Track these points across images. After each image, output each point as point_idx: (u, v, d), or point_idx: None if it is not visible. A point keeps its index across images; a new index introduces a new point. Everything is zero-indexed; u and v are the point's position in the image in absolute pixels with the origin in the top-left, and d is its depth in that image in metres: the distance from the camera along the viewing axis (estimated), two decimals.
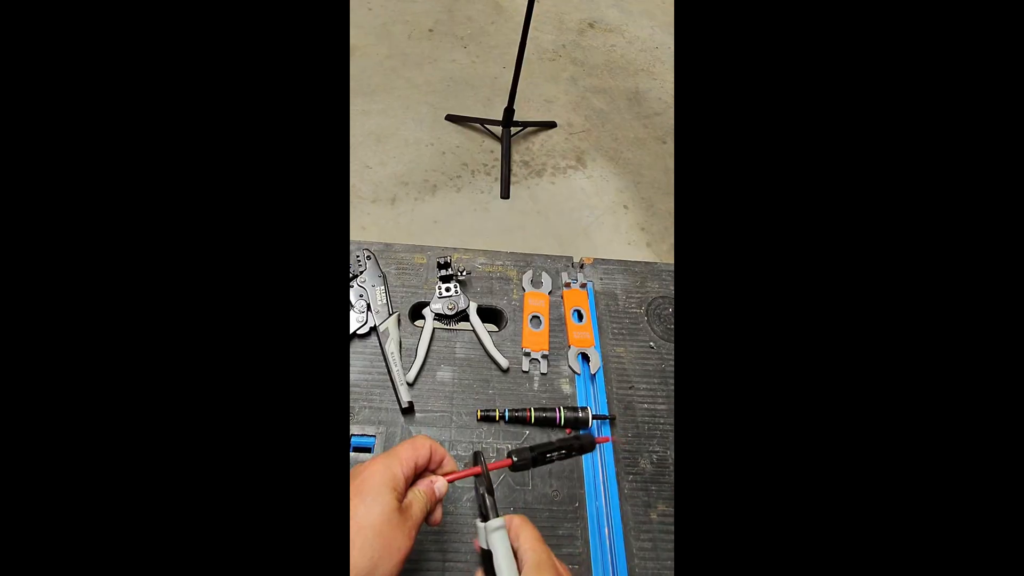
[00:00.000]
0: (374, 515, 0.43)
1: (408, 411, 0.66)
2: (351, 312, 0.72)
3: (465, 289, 0.78)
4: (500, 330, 0.76)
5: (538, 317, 0.76)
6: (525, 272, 0.81)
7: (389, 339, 0.69)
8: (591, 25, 2.95)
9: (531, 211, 2.06)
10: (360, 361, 0.70)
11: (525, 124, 2.26)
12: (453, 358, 0.72)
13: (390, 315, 0.72)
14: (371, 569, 0.41)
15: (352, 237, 0.84)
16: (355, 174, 2.08)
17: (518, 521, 0.47)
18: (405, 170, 2.12)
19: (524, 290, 0.79)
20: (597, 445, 0.53)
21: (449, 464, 0.51)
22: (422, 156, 2.18)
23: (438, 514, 0.50)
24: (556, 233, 1.99)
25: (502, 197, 2.08)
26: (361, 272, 0.75)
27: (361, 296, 0.73)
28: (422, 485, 0.48)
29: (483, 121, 2.25)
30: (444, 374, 0.70)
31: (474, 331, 0.74)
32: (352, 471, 0.47)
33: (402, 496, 0.46)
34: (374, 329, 0.71)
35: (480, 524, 0.47)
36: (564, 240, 1.97)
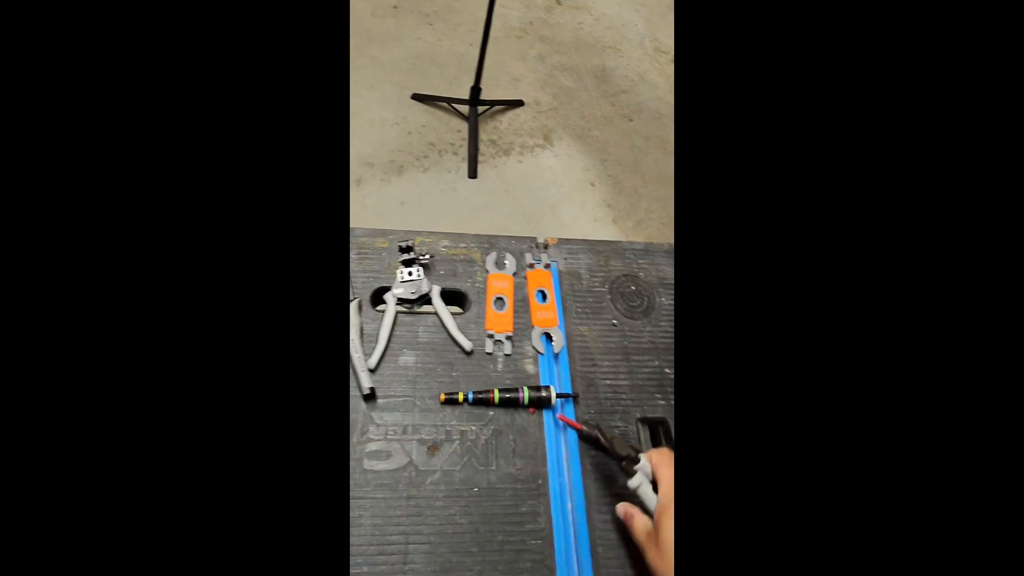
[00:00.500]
0: None
1: (370, 397, 0.66)
2: None
3: (428, 272, 0.77)
4: (464, 312, 0.76)
5: (502, 299, 0.77)
6: (489, 254, 0.81)
7: (350, 326, 0.69)
8: (559, 2, 2.93)
9: (499, 190, 2.05)
10: None
11: (492, 103, 2.24)
12: (416, 342, 0.72)
13: (351, 301, 0.71)
14: None
15: None
16: None
17: (656, 459, 0.57)
18: (371, 150, 2.09)
19: (488, 272, 0.79)
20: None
21: None
22: (387, 136, 2.15)
23: None
24: (524, 212, 1.99)
25: (469, 177, 2.06)
26: None
27: None
28: None
29: (450, 100, 2.23)
30: (407, 359, 0.70)
31: (437, 315, 0.74)
32: None
33: None
34: None
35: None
36: (532, 219, 1.97)
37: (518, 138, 2.23)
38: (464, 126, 2.22)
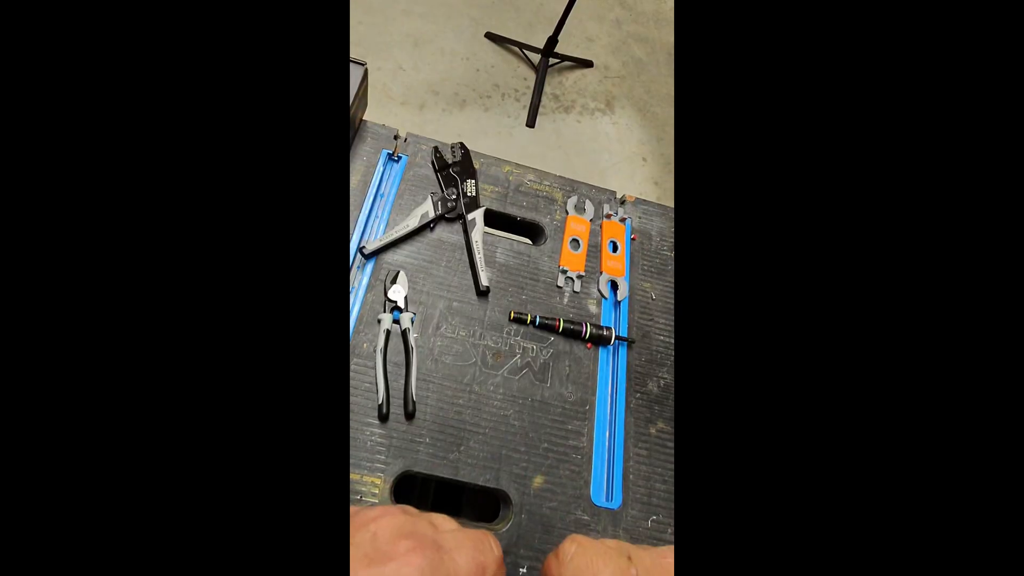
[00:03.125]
0: None
1: (483, 294, 0.75)
2: (436, 198, 0.79)
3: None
4: (537, 245, 0.81)
5: (577, 240, 0.82)
6: (570, 197, 0.86)
7: (475, 228, 0.77)
8: None
9: (553, 145, 2.08)
10: (427, 249, 0.75)
11: (564, 57, 2.25)
12: (493, 261, 0.77)
13: (478, 208, 0.80)
14: None
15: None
16: (388, 74, 2.06)
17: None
18: (438, 79, 2.10)
19: (568, 213, 0.84)
20: None
21: None
22: (456, 69, 2.17)
23: None
24: (573, 169, 2.02)
25: (527, 125, 2.09)
26: (456, 162, 0.84)
27: (452, 184, 0.81)
28: None
29: (523, 46, 2.23)
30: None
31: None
32: (367, 533, 0.33)
33: None
34: (461, 217, 0.79)
35: None
36: (579, 178, 2.00)
37: (580, 98, 2.25)
38: (530, 75, 2.23)
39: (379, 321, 0.69)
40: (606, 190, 0.89)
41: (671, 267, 0.84)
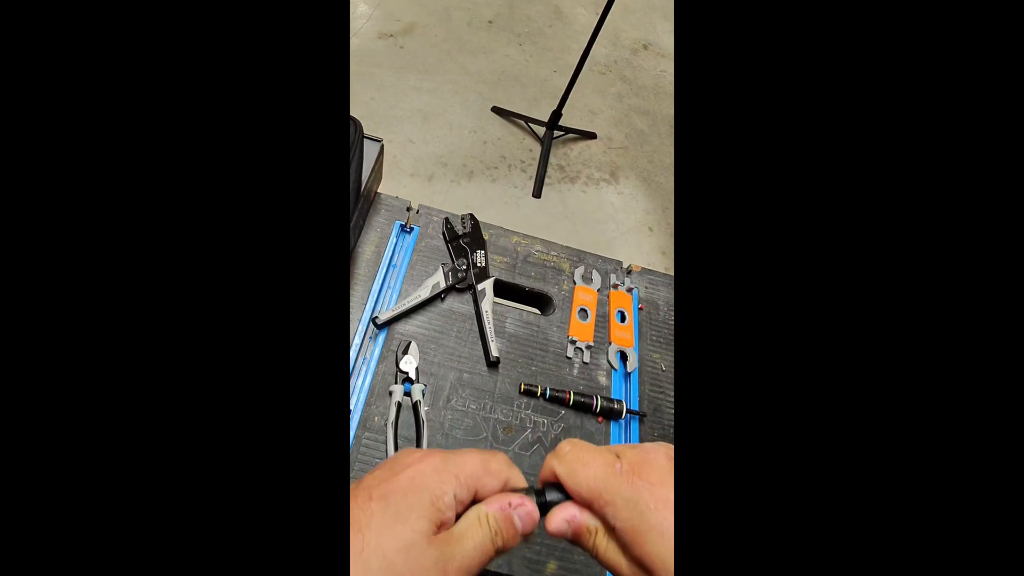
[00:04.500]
0: (391, 540, 0.30)
1: (493, 365, 0.74)
2: (447, 269, 0.81)
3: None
4: (546, 315, 0.82)
5: (585, 310, 0.82)
6: (578, 267, 0.87)
7: (485, 298, 0.78)
8: (645, 47, 3.02)
9: (559, 214, 2.12)
10: (438, 319, 0.75)
11: (568, 130, 2.32)
12: (503, 331, 0.77)
13: (488, 278, 0.81)
14: None
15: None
16: (398, 147, 2.13)
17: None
18: (446, 152, 2.17)
19: (575, 283, 0.85)
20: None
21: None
22: (464, 141, 2.23)
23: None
24: (580, 240, 2.05)
25: (534, 196, 2.13)
26: (466, 233, 0.86)
27: (463, 255, 0.83)
28: (493, 506, 0.34)
29: (528, 119, 2.31)
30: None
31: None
32: (392, 458, 0.37)
33: (445, 522, 0.33)
34: (471, 287, 0.80)
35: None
36: (586, 248, 2.02)
37: (585, 169, 2.30)
38: (536, 146, 2.30)
39: (391, 393, 0.68)
40: (612, 260, 0.90)
41: None
